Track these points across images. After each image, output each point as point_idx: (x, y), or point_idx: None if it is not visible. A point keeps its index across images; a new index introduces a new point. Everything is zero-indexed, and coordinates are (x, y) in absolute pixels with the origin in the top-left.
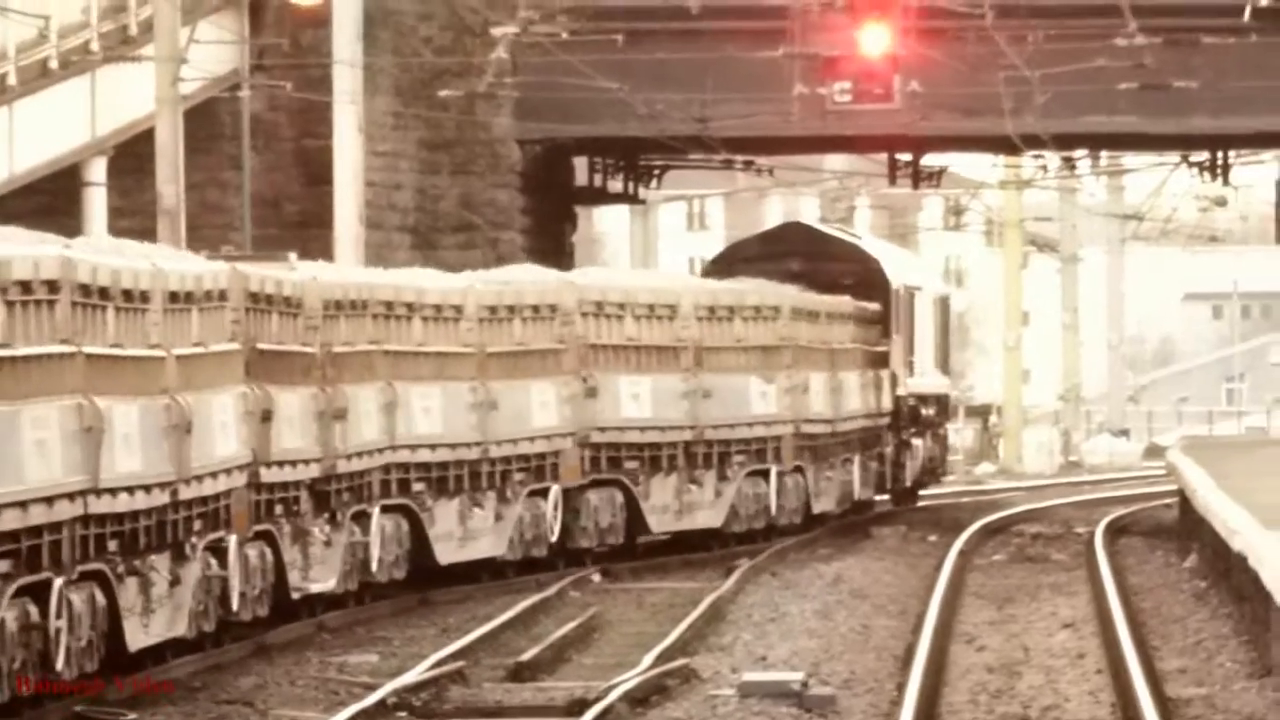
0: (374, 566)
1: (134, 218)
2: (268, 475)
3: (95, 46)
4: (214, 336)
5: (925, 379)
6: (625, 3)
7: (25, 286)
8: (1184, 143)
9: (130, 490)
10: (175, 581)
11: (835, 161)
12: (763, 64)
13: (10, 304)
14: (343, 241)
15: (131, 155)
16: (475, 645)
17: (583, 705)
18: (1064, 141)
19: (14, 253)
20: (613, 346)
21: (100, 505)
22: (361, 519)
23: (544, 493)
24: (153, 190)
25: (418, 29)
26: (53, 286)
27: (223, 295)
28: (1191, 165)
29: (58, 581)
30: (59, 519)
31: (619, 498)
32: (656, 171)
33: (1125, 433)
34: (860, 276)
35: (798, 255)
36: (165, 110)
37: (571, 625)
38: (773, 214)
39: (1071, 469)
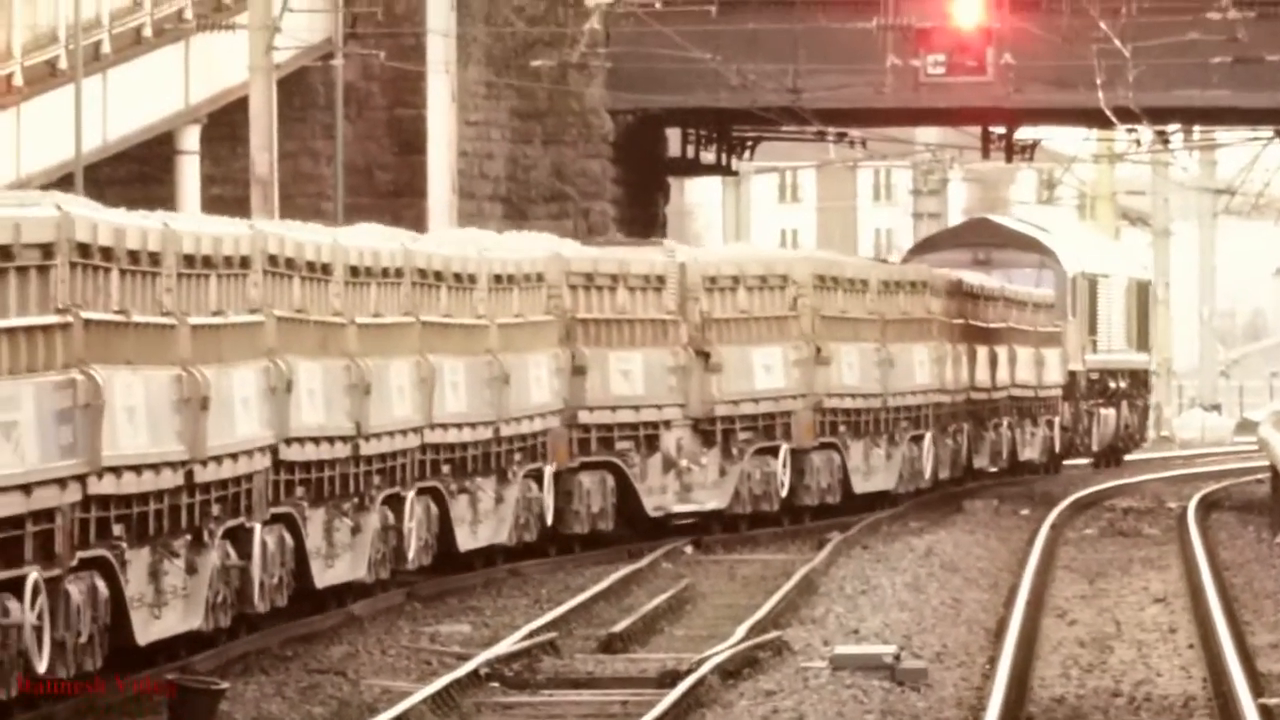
0: (784, 491)
1: (226, 185)
2: (587, 417)
3: (189, 14)
4: (532, 309)
5: (1112, 355)
6: None
7: (385, 272)
8: (1277, 116)
9: (459, 426)
10: (500, 499)
11: (928, 134)
12: (855, 35)
13: (373, 284)
14: (436, 210)
15: (224, 123)
16: (567, 616)
17: (675, 677)
18: (1156, 115)
19: (371, 245)
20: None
21: (434, 437)
22: (768, 453)
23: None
24: (245, 158)
25: None
26: (400, 272)
27: (540, 277)
28: None
29: (410, 494)
30: (406, 448)
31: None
32: (749, 142)
33: (1217, 407)
34: (1038, 265)
35: (982, 245)
36: (259, 78)
37: (663, 597)
38: (864, 186)
39: (1163, 443)
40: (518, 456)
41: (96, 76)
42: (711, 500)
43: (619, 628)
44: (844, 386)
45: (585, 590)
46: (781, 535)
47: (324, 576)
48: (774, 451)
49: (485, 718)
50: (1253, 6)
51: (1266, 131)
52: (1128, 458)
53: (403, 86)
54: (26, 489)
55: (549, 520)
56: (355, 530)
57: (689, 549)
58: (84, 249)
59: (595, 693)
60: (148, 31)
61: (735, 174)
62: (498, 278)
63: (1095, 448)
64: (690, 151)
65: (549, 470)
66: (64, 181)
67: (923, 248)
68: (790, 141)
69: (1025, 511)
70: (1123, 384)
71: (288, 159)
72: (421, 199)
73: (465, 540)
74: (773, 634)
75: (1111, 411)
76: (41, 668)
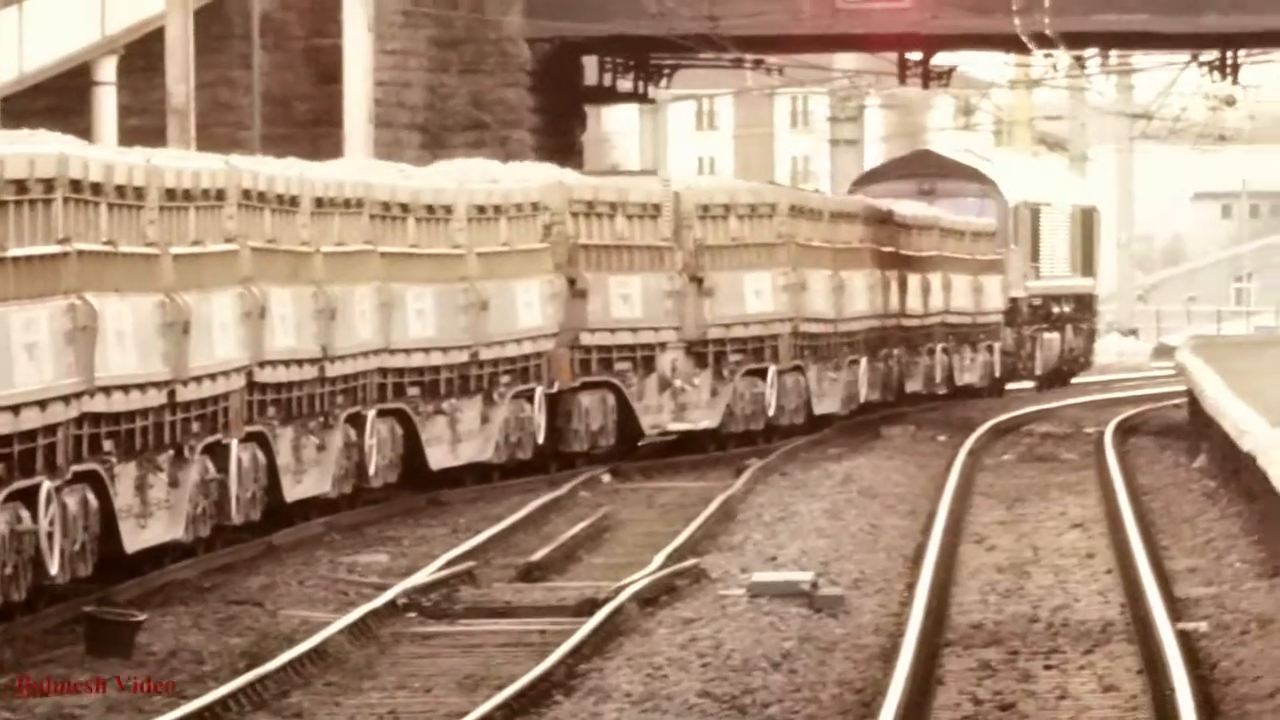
0: (771, 411)
1: (143, 116)
2: (589, 339)
3: None
4: (523, 237)
5: (1055, 281)
6: None
7: (348, 204)
8: (1194, 41)
9: (425, 350)
10: (486, 420)
11: (845, 60)
12: None
13: (337, 216)
14: (352, 140)
15: (141, 54)
16: (486, 545)
17: (593, 605)
18: (1073, 40)
19: (336, 178)
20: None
21: (395, 360)
22: (756, 375)
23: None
24: (162, 89)
25: None
26: (360, 204)
27: (535, 205)
28: (1201, 64)
29: (370, 413)
30: (367, 369)
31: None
32: (666, 71)
33: (1134, 332)
34: (980, 195)
35: (926, 176)
36: (175, 9)
37: (582, 525)
38: (781, 114)
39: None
40: (504, 379)
41: (12, 8)
42: (705, 419)
43: (537, 557)
44: (814, 312)
45: (504, 519)
46: (701, 462)
47: (293, 491)
48: (762, 373)
49: (403, 648)
50: None
51: (1183, 55)
52: (1074, 380)
53: (320, 16)
54: (43, 404)
55: (540, 439)
56: (321, 448)
57: (606, 477)
58: (76, 184)
59: (513, 622)
60: None
61: (653, 102)
62: (480, 208)
63: (1039, 371)
64: (608, 80)
65: (540, 391)
66: None
67: (867, 179)
68: (707, 69)
69: (943, 438)
70: (1067, 309)
71: (205, 89)
72: (338, 129)
73: (441, 459)
74: (691, 562)
75: (1056, 336)
76: (54, 570)
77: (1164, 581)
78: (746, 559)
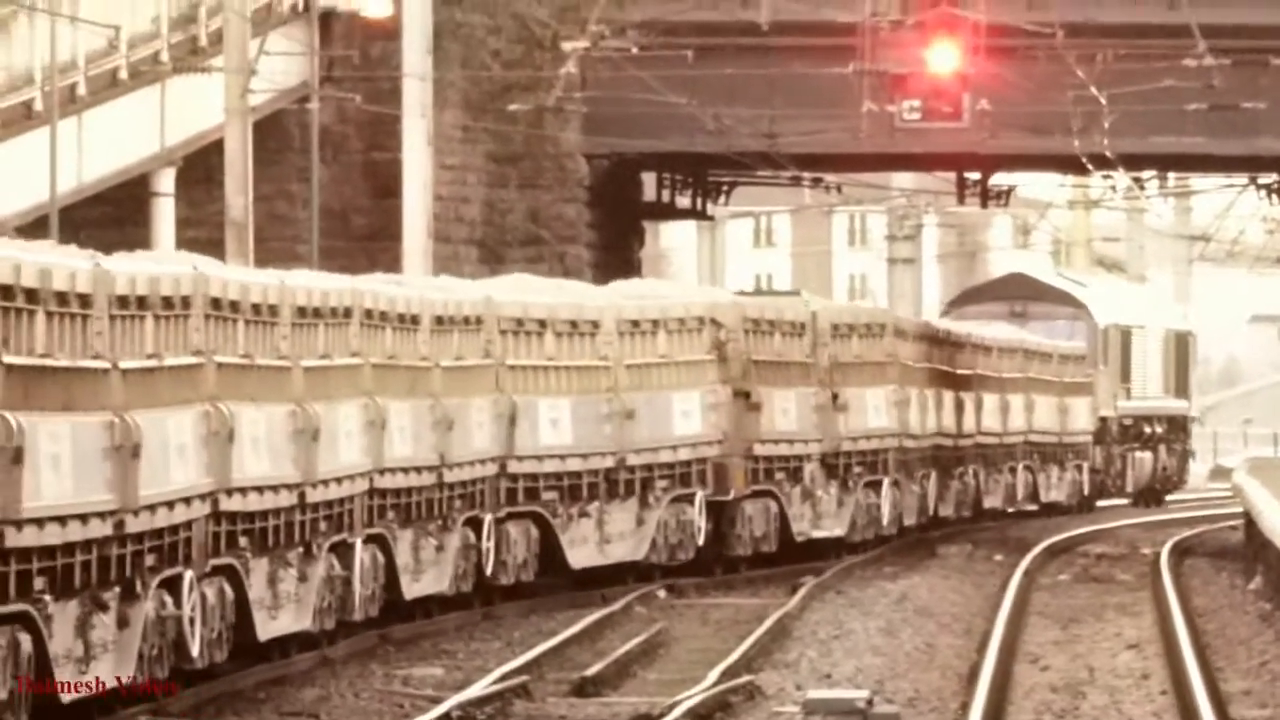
0: (885, 521)
1: (201, 228)
2: (759, 450)
3: (165, 57)
4: (684, 350)
5: (1146, 402)
6: (695, 18)
7: (467, 321)
8: (1252, 164)
9: (560, 457)
10: (640, 522)
11: (903, 179)
12: (832, 80)
13: (455, 332)
14: (410, 254)
15: (200, 166)
16: (540, 659)
17: None
18: (1132, 162)
19: (456, 297)
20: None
21: (522, 466)
22: (871, 487)
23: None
24: (220, 201)
25: (487, 42)
26: (480, 320)
27: (702, 320)
28: (1259, 187)
29: (487, 517)
30: (485, 475)
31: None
32: (725, 187)
33: (1191, 454)
34: (1070, 317)
35: (1018, 299)
36: (234, 121)
37: (637, 640)
38: (839, 231)
39: None
40: (661, 483)
41: (72, 119)
42: (836, 528)
43: (591, 671)
44: (915, 428)
45: (558, 634)
46: (755, 579)
47: (411, 589)
48: (875, 485)
49: None
50: (1227, 54)
51: (1241, 178)
52: (1169, 498)
53: (379, 130)
54: (188, 500)
55: (700, 542)
56: (439, 549)
57: (662, 593)
58: (216, 302)
59: None
60: (123, 74)
61: (711, 218)
62: (633, 323)
63: (1130, 489)
64: (666, 196)
65: (700, 495)
66: (39, 224)
67: (961, 300)
68: (765, 186)
69: (999, 557)
70: (1159, 429)
71: (263, 202)
72: (397, 243)
73: (586, 559)
74: (745, 678)
75: (1148, 455)
76: (195, 653)
77: (1219, 704)
78: (801, 676)
